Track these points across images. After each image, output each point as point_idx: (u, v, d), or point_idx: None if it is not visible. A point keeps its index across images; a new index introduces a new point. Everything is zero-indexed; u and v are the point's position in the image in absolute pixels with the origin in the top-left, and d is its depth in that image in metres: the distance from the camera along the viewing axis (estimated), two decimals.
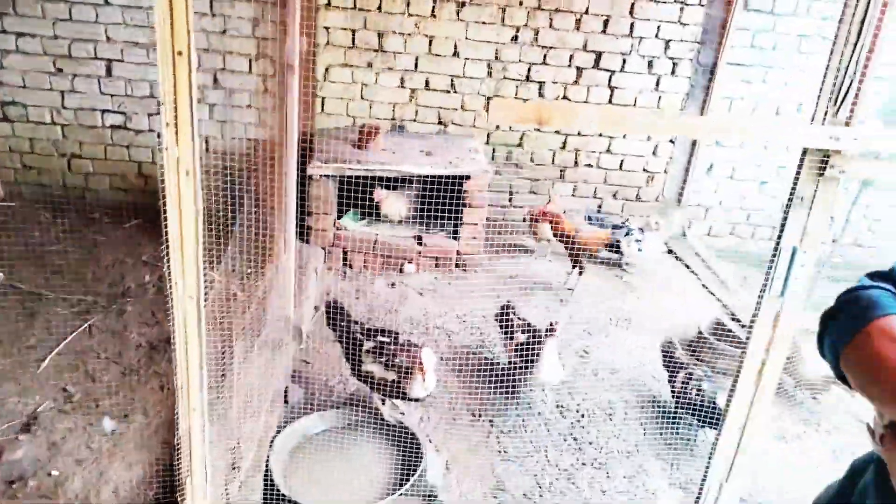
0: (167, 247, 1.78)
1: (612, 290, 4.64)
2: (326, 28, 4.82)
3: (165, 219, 1.74)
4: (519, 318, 3.49)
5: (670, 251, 5.34)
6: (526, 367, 3.22)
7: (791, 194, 1.88)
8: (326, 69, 4.93)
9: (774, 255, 1.95)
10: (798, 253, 1.93)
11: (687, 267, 5.15)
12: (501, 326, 3.52)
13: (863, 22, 1.68)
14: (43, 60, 4.64)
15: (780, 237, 1.93)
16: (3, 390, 2.84)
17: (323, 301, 3.55)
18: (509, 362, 3.35)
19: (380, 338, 2.84)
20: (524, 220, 4.95)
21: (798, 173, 1.85)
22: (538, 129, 5.20)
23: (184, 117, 1.69)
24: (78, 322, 3.37)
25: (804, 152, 1.82)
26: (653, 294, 4.65)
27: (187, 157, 1.72)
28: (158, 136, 4.94)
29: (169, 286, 1.81)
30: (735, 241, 5.71)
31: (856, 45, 1.70)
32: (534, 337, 3.28)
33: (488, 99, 5.14)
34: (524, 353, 3.22)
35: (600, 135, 5.36)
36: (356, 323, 2.97)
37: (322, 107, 5.03)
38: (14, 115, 4.78)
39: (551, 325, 3.20)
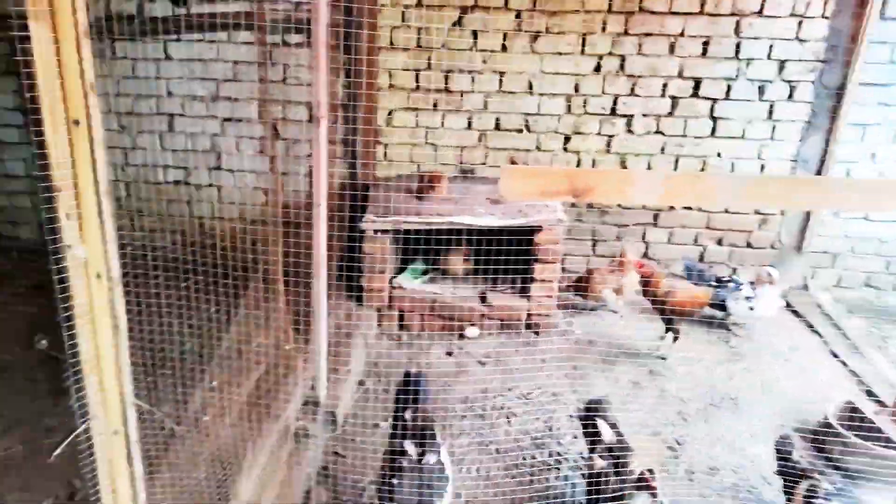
0: (80, 371, 1.41)
1: (716, 359, 3.89)
2: (389, 70, 4.49)
3: (71, 336, 1.37)
4: (611, 428, 2.74)
5: (789, 307, 4.49)
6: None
7: None
8: (389, 114, 4.59)
9: None
10: None
11: (810, 327, 4.29)
12: (586, 432, 2.84)
13: None
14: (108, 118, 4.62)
15: None
16: (8, 482, 2.61)
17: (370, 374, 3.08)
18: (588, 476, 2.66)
19: (406, 444, 2.34)
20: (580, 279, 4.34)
21: None
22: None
23: (89, 206, 1.32)
24: None
25: None
26: (767, 364, 3.85)
27: (97, 256, 1.35)
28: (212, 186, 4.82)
29: (85, 420, 1.43)
30: (871, 294, 4.74)
31: None
32: (618, 468, 2.55)
33: (566, 137, 4.59)
34: (603, 482, 2.54)
35: (702, 170, 4.65)
36: (413, 409, 2.48)
37: (385, 154, 4.68)
38: None
39: (645, 474, 2.38)
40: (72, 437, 2.89)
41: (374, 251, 3.94)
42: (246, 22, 2.74)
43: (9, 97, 4.71)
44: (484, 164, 4.67)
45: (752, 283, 4.12)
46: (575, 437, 3.12)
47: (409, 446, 2.37)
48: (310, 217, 2.84)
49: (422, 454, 2.34)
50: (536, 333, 4.03)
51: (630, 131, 4.56)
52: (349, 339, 3.55)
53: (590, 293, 4.22)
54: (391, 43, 4.41)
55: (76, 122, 1.28)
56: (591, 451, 2.68)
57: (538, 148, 4.63)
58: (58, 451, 2.82)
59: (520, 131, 4.58)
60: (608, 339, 4.04)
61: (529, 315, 4.04)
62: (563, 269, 4.41)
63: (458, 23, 4.35)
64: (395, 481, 2.25)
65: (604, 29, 4.35)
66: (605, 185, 1.28)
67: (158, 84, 4.53)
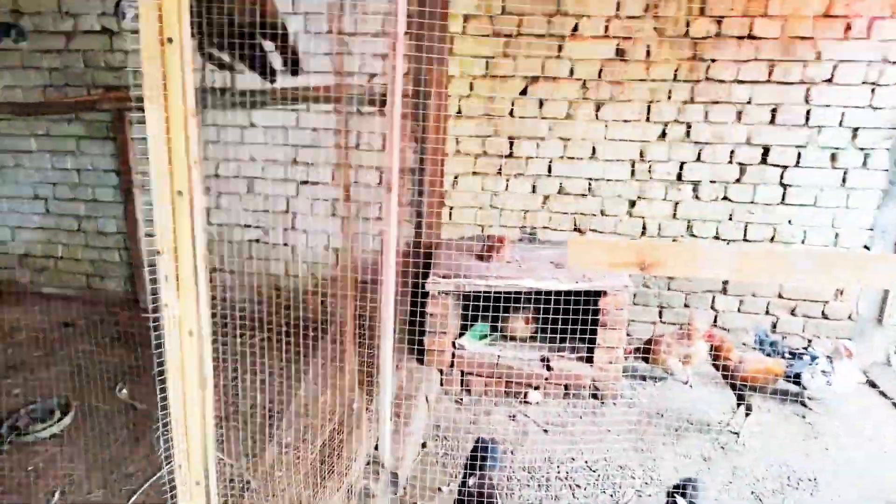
0: (167, 422, 1.49)
1: (791, 435, 3.71)
2: (456, 137, 4.65)
3: (163, 389, 1.47)
4: None
5: (870, 383, 4.26)
6: None
7: None
8: (455, 178, 4.73)
9: None
10: None
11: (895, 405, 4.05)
12: None
13: None
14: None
15: None
16: None
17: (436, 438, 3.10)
18: None
19: None
20: (645, 344, 4.23)
21: None
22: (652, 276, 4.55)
23: (186, 269, 1.43)
24: None
25: None
26: (848, 443, 3.64)
27: (190, 315, 1.45)
28: (292, 249, 5.04)
29: (171, 467, 1.51)
30: None
31: None
32: None
33: (631, 202, 4.60)
34: None
35: (772, 238, 4.55)
36: (479, 476, 2.47)
37: (450, 216, 4.80)
38: None
39: None
40: (147, 484, 3.00)
41: (437, 312, 4.00)
42: (327, 95, 2.95)
43: (106, 159, 5.11)
44: (547, 227, 4.72)
45: (829, 356, 3.94)
46: None
47: None
48: (378, 277, 2.93)
49: None
50: (601, 402, 3.95)
51: (697, 197, 4.53)
52: (412, 399, 3.57)
53: (655, 361, 4.12)
54: (459, 111, 4.59)
55: (180, 193, 1.41)
56: None
57: (602, 213, 4.65)
58: (134, 497, 2.92)
59: (584, 196, 4.63)
60: (677, 410, 3.91)
61: (594, 382, 3.98)
62: (629, 336, 4.34)
63: (524, 92, 4.50)
64: None
65: (669, 97, 4.40)
66: (674, 259, 1.30)
67: (241, 149, 4.82)
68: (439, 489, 3.13)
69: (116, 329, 4.81)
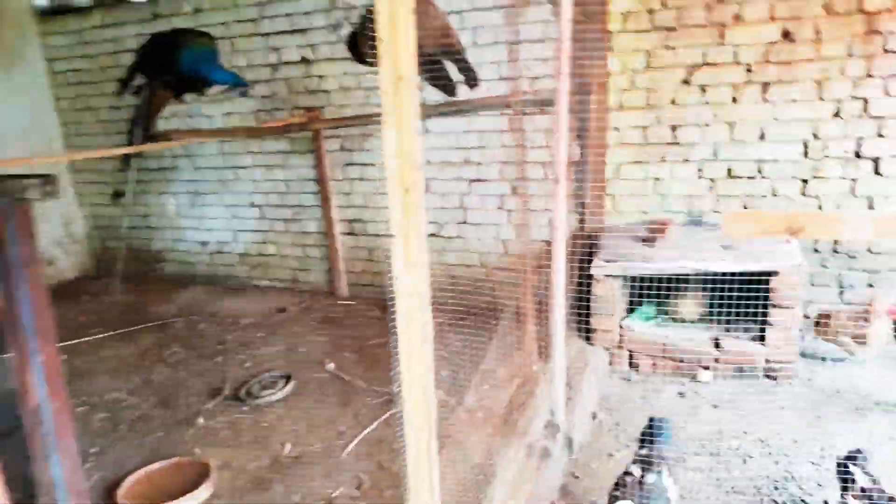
0: (398, 370, 1.95)
1: None
2: (616, 128, 4.84)
3: (395, 341, 1.92)
4: (867, 478, 2.73)
5: None
6: None
7: None
8: (618, 167, 4.92)
9: None
10: None
11: None
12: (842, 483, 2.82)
13: None
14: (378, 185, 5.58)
15: None
16: (311, 472, 3.32)
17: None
18: None
19: (632, 467, 2.59)
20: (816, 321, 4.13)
21: None
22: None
23: (413, 248, 1.87)
24: (380, 413, 3.80)
25: None
26: None
27: (416, 284, 1.89)
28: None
29: (399, 408, 1.97)
30: None
31: None
32: None
33: (804, 181, 4.51)
34: None
35: None
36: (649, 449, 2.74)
37: (613, 204, 5.00)
38: (357, 230, 5.85)
39: None
40: (357, 439, 3.58)
41: (603, 294, 4.24)
42: (500, 102, 3.36)
43: (307, 170, 5.93)
44: (716, 211, 4.75)
45: None
46: (819, 485, 3.07)
47: (635, 468, 2.64)
48: (548, 263, 3.27)
49: (643, 474, 2.59)
50: (776, 381, 3.97)
51: (878, 173, 4.34)
52: (581, 372, 3.87)
53: (824, 334, 4.05)
54: (621, 105, 4.78)
55: (407, 190, 1.86)
56: (844, 489, 2.67)
57: (773, 193, 4.59)
58: (348, 449, 3.50)
59: (752, 178, 4.61)
60: (858, 390, 3.83)
61: (767, 362, 4.00)
62: (805, 316, 4.29)
63: (686, 80, 4.59)
64: (617, 493, 2.55)
65: (842, 74, 4.27)
66: (815, 224, 1.49)
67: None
68: (610, 455, 3.40)
69: (322, 314, 5.59)
